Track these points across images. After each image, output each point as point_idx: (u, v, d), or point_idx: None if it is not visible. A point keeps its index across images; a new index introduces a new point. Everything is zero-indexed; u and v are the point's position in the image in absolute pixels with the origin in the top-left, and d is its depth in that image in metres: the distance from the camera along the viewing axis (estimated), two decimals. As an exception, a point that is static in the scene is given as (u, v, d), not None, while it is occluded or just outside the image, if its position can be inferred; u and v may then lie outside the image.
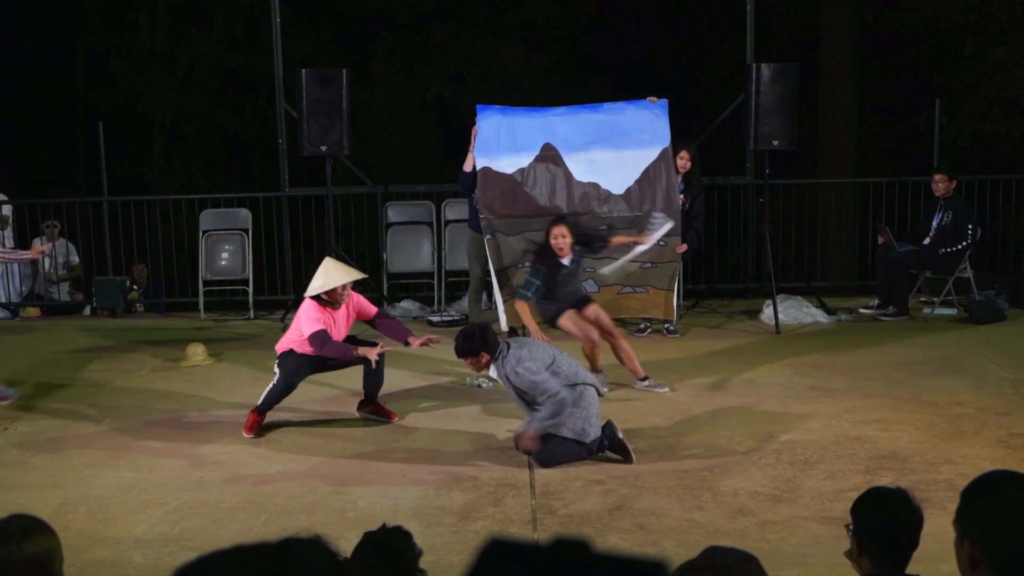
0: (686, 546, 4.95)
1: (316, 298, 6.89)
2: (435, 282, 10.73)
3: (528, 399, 6.24)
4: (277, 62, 10.85)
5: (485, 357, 6.22)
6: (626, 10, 18.81)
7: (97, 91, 19.42)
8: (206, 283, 10.65)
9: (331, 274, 6.90)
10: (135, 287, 11.69)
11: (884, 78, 17.92)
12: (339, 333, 6.98)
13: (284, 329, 9.97)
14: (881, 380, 7.82)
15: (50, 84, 20.76)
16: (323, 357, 6.91)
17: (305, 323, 6.85)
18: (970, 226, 9.74)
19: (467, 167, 9.05)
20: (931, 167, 10.29)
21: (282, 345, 7.04)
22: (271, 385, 6.94)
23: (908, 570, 3.10)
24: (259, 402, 6.94)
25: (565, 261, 7.48)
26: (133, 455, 6.61)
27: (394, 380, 8.08)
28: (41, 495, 5.93)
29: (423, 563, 3.51)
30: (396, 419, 7.14)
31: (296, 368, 6.90)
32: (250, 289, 10.63)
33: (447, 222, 10.73)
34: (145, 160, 20.06)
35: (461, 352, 6.27)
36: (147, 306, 11.71)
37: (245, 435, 6.85)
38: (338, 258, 7.74)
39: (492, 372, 6.31)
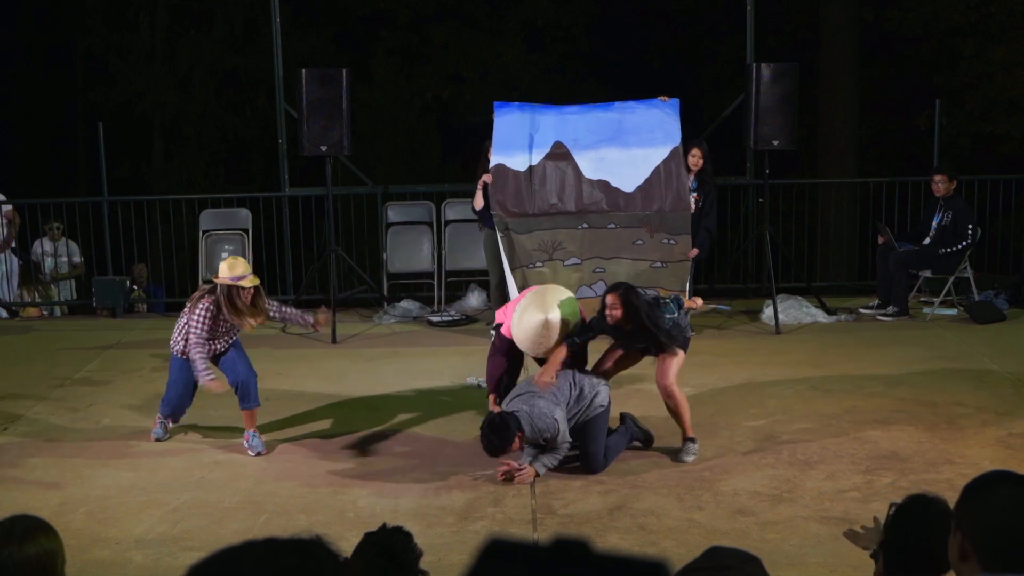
0: (686, 546, 4.95)
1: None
2: (435, 282, 10.73)
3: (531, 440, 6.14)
4: (277, 62, 10.85)
5: (520, 436, 5.91)
6: (626, 10, 18.80)
7: (97, 91, 19.41)
8: (206, 283, 10.64)
9: (538, 339, 6.44)
10: (135, 287, 11.69)
11: (884, 78, 17.90)
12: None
13: (283, 330, 10.00)
14: (881, 380, 7.82)
15: (50, 84, 20.75)
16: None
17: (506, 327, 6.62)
18: (970, 226, 9.74)
19: (477, 204, 9.04)
20: (931, 167, 10.28)
21: (501, 315, 6.88)
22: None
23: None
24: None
25: (626, 328, 6.50)
26: (133, 455, 6.61)
27: (393, 380, 8.09)
28: (41, 495, 5.93)
29: (423, 563, 3.51)
30: None
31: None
32: (250, 289, 10.62)
33: (447, 222, 10.73)
34: (145, 160, 20.05)
35: (496, 448, 5.89)
36: (149, 306, 11.71)
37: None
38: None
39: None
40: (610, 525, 5.45)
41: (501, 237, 8.76)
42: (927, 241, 9.91)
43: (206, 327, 6.47)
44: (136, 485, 6.11)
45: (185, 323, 6.56)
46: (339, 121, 9.60)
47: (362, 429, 7.02)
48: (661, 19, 18.89)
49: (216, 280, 6.51)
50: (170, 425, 6.93)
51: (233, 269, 6.46)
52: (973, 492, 2.22)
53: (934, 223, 9.89)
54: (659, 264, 8.78)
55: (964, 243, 9.71)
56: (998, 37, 16.21)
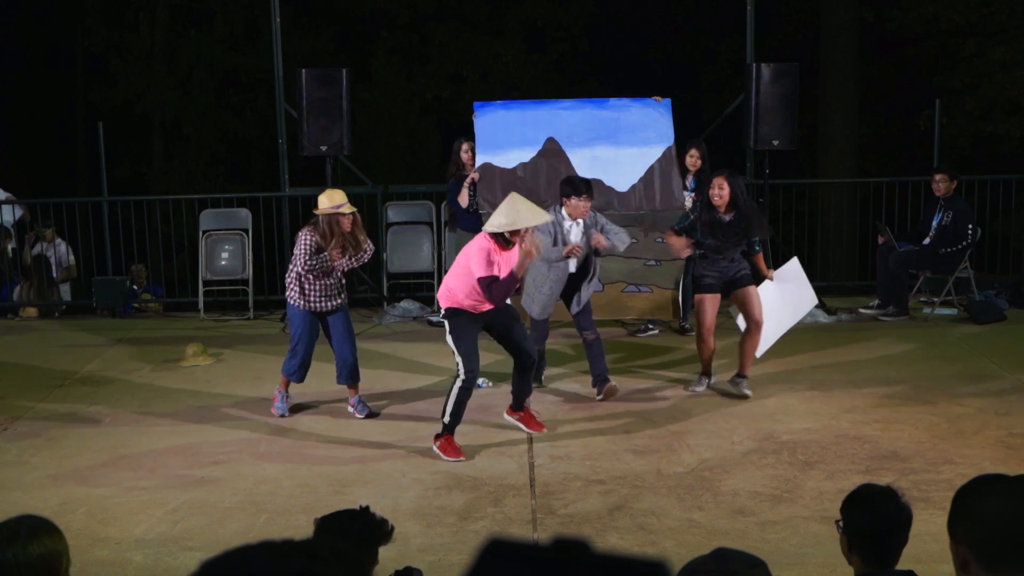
0: (686, 546, 4.95)
1: (493, 235, 6.38)
2: (435, 282, 10.72)
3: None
4: (277, 62, 10.84)
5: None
6: (626, 10, 18.81)
7: (97, 91, 19.41)
8: (206, 283, 10.65)
9: (520, 213, 6.33)
10: (135, 288, 11.68)
11: (884, 78, 17.91)
12: (505, 273, 6.50)
13: (284, 330, 9.99)
14: (881, 380, 7.82)
15: (50, 84, 20.76)
16: (488, 318, 6.51)
17: (476, 263, 6.34)
18: (970, 226, 9.74)
19: (463, 201, 8.98)
20: (931, 167, 10.29)
21: (445, 296, 6.54)
22: (458, 360, 6.45)
23: (904, 567, 3.11)
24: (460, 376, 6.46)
25: (725, 218, 7.16)
26: (133, 455, 6.61)
27: (393, 380, 8.09)
28: (41, 495, 5.93)
29: (422, 563, 3.51)
30: (543, 431, 6.80)
31: (470, 331, 6.47)
32: (250, 289, 10.63)
33: (447, 222, 10.72)
34: (145, 160, 20.06)
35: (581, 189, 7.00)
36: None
37: (447, 457, 6.43)
38: None
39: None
40: (610, 525, 5.45)
41: None
42: (927, 241, 9.91)
43: (311, 253, 6.79)
44: (136, 485, 6.11)
45: (293, 266, 6.93)
46: (339, 121, 9.60)
47: (362, 429, 7.02)
48: (661, 19, 18.91)
49: (317, 212, 6.82)
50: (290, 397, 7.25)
51: (332, 199, 6.79)
52: (964, 499, 2.20)
53: (934, 223, 9.88)
54: (653, 262, 8.81)
55: (964, 243, 9.70)
56: (998, 37, 16.20)
